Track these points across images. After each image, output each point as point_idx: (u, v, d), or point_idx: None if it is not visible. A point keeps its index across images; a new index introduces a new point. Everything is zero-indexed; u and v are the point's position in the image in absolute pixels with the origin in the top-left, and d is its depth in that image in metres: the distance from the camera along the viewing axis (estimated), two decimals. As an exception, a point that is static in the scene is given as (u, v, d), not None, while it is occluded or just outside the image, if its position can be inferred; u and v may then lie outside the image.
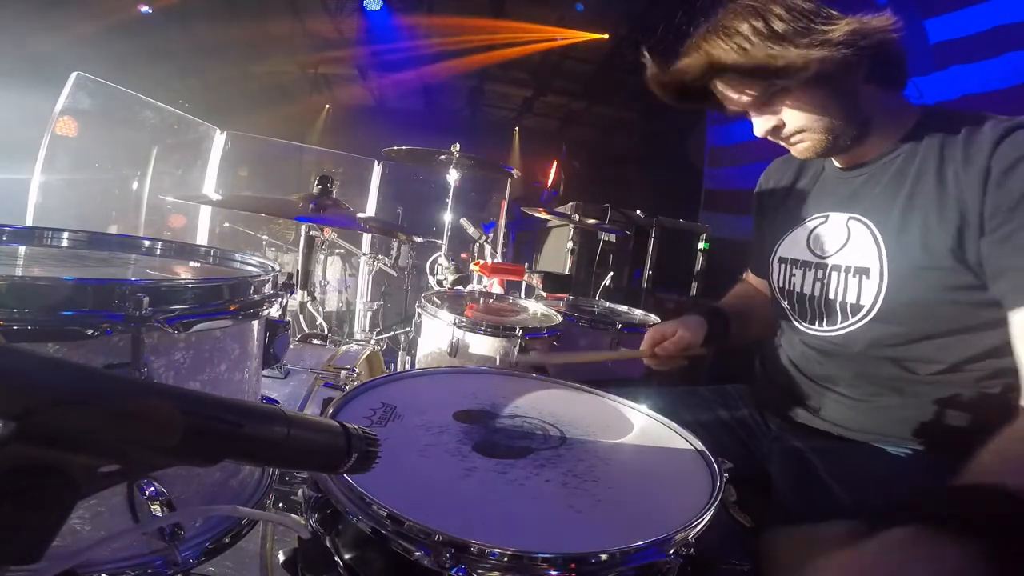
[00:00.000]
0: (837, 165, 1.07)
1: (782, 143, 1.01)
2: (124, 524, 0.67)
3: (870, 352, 0.97)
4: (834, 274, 1.01)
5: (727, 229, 4.71)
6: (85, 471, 0.34)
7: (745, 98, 0.95)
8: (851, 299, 0.98)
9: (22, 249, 0.94)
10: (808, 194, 1.13)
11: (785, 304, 1.12)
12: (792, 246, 1.12)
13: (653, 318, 2.04)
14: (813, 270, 1.05)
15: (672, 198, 6.04)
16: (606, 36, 6.84)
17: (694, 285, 4.12)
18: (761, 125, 0.98)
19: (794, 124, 0.95)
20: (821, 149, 0.97)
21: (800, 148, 0.99)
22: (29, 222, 3.38)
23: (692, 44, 0.95)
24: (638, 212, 3.97)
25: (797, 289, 1.08)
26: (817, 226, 1.07)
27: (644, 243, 4.03)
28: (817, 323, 1.05)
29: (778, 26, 0.87)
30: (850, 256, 0.99)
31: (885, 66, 0.93)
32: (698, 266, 4.12)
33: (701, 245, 4.12)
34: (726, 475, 0.77)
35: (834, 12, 0.89)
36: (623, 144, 9.49)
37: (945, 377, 0.93)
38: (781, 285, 1.13)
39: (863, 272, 0.96)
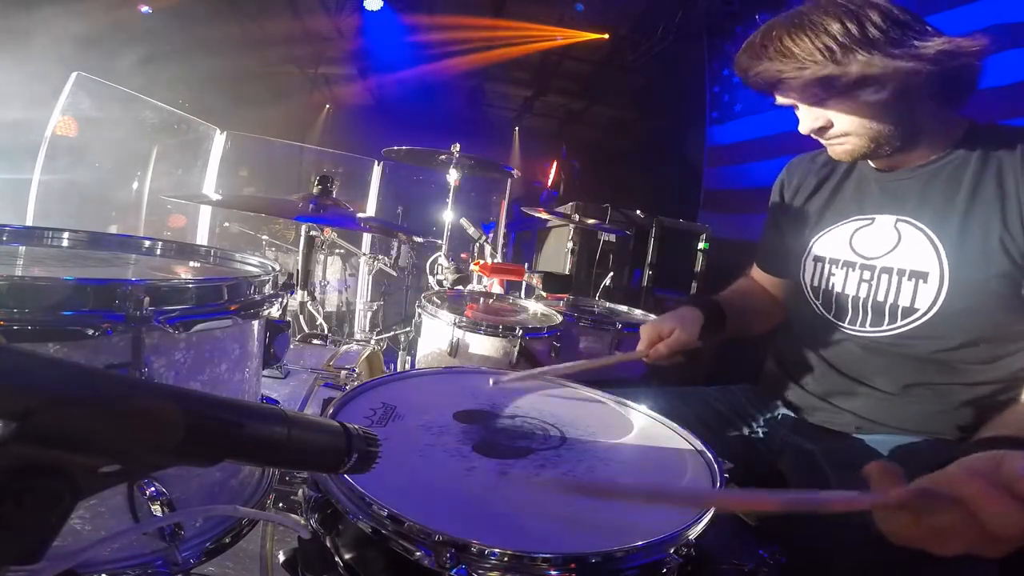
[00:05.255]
0: (876, 167, 1.07)
1: (822, 141, 1.01)
2: (124, 524, 0.67)
3: (917, 353, 0.98)
4: (884, 276, 1.00)
5: (727, 229, 4.70)
6: (85, 471, 0.34)
7: (806, 95, 0.94)
8: (904, 302, 0.98)
9: (22, 249, 0.94)
10: (845, 193, 1.13)
11: (819, 302, 1.11)
12: (831, 245, 1.11)
13: (653, 318, 2.04)
14: (858, 271, 1.04)
15: (672, 198, 6.04)
16: (606, 36, 6.84)
17: (694, 285, 4.12)
18: (808, 123, 0.97)
19: (842, 127, 0.95)
20: (859, 154, 0.98)
21: (839, 150, 0.99)
22: (29, 222, 3.37)
23: (772, 35, 0.92)
24: (638, 212, 3.97)
25: (837, 289, 1.07)
26: (861, 227, 1.07)
27: (644, 243, 4.02)
28: (859, 323, 1.04)
29: (872, 32, 0.86)
30: (903, 259, 0.99)
31: (955, 86, 0.92)
32: (698, 266, 4.12)
33: (701, 245, 4.12)
34: (726, 475, 0.77)
35: (928, 27, 0.88)
36: (623, 144, 9.49)
37: (985, 377, 0.94)
38: (816, 284, 1.12)
39: (920, 276, 0.96)
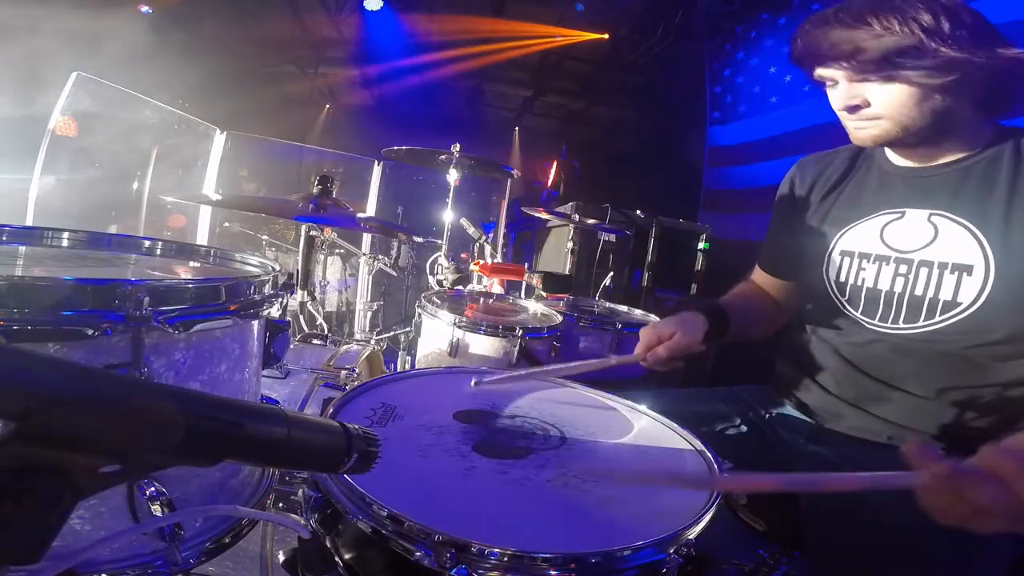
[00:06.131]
0: (901, 163, 1.07)
1: (849, 121, 1.00)
2: (124, 524, 0.67)
3: (950, 350, 0.96)
4: (923, 269, 0.99)
5: (727, 229, 4.70)
6: (85, 471, 0.34)
7: (863, 73, 0.93)
8: (945, 295, 0.96)
9: (22, 249, 0.94)
10: (868, 189, 1.11)
11: (845, 299, 1.09)
12: (860, 239, 1.08)
13: (653, 318, 2.04)
14: (892, 264, 1.02)
15: (672, 198, 6.03)
16: (606, 36, 6.84)
17: (694, 285, 4.12)
18: (844, 100, 0.97)
19: (878, 109, 0.95)
20: (883, 140, 0.99)
21: (864, 134, 1.00)
22: (29, 222, 3.37)
23: (852, 9, 0.93)
24: (638, 212, 3.97)
25: (868, 283, 1.05)
26: (892, 220, 1.05)
27: (644, 243, 4.02)
28: (892, 319, 1.02)
29: (961, 32, 0.87)
30: (943, 252, 0.97)
31: (1002, 95, 0.94)
32: (698, 266, 4.12)
33: (701, 245, 4.12)
34: (726, 475, 0.77)
35: (1006, 38, 0.90)
36: (623, 144, 9.48)
37: (1017, 375, 0.94)
38: (842, 279, 1.09)
39: (964, 269, 0.95)
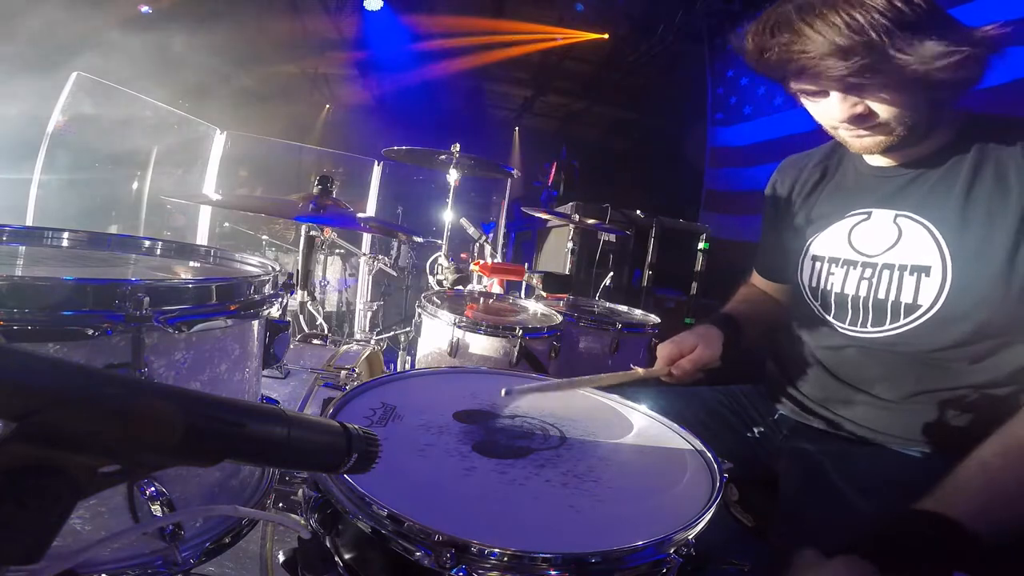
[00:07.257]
0: (875, 164, 1.04)
1: (847, 132, 0.94)
2: (124, 524, 0.67)
3: (919, 353, 0.95)
4: (885, 272, 0.98)
5: (727, 229, 4.71)
6: (85, 471, 0.34)
7: (850, 79, 0.84)
8: (907, 298, 0.95)
9: (22, 249, 0.94)
10: (841, 191, 1.10)
11: (818, 303, 1.08)
12: (829, 243, 1.07)
13: (653, 318, 2.04)
14: (859, 268, 1.02)
15: (672, 198, 6.05)
16: (606, 36, 6.85)
17: (694, 285, 4.12)
18: (844, 110, 0.89)
19: (883, 115, 0.89)
20: (887, 144, 0.93)
21: (867, 141, 0.94)
22: (29, 222, 3.38)
23: (813, 9, 0.84)
24: (638, 212, 3.97)
25: (837, 289, 1.04)
26: (858, 223, 1.04)
27: (644, 243, 4.03)
28: (860, 323, 1.01)
29: (925, 18, 0.81)
30: (904, 255, 0.96)
31: (966, 81, 0.88)
32: (698, 266, 4.12)
33: (701, 245, 4.12)
34: (726, 475, 0.77)
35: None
36: (623, 144, 9.49)
37: (986, 384, 0.93)
38: (814, 284, 1.09)
39: (922, 270, 0.93)
